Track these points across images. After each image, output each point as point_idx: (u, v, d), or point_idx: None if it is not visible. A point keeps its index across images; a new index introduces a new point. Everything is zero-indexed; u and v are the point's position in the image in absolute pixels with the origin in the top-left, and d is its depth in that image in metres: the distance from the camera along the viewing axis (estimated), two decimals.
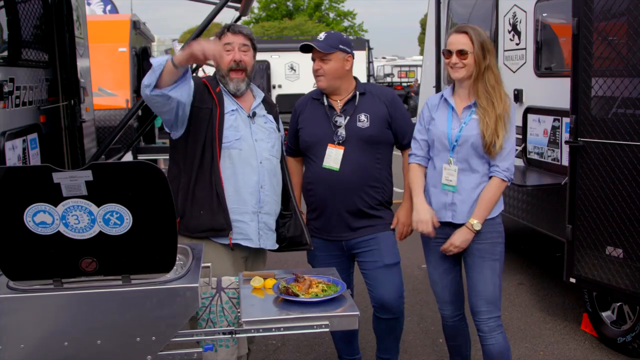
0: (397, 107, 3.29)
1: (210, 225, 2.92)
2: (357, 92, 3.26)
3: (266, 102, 3.19)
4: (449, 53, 3.01)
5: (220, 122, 2.93)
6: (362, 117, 3.21)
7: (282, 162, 3.21)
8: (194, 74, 7.93)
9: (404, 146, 3.33)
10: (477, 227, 3.02)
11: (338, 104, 3.25)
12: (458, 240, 3.06)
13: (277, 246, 3.14)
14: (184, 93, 2.80)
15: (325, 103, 3.27)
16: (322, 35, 3.21)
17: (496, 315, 3.10)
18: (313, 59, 3.22)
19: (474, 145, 2.99)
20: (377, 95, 3.28)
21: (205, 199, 2.92)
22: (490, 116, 2.95)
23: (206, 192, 2.92)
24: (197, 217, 2.93)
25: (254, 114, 3.07)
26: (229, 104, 3.00)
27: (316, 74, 3.21)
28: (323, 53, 3.16)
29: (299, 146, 3.35)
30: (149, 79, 2.69)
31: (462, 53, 2.96)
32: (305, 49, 3.19)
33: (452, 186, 3.07)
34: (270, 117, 3.17)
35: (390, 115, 3.24)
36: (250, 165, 2.98)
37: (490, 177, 3.03)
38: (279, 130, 3.19)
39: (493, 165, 3.02)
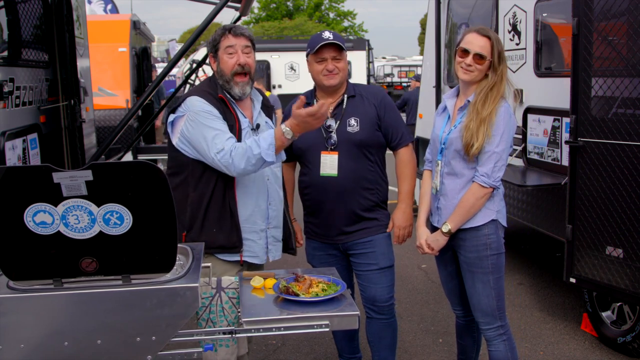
0: (386, 108, 3.26)
1: (223, 244, 2.87)
2: (346, 96, 3.24)
3: (264, 105, 3.13)
4: (464, 52, 2.91)
5: (241, 139, 2.85)
6: (352, 121, 3.20)
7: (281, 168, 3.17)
8: (195, 76, 7.94)
9: (395, 147, 3.31)
10: (445, 229, 2.97)
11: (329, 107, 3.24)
12: (428, 239, 3.05)
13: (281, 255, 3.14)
14: None
15: None
16: (330, 35, 3.17)
17: (495, 326, 3.05)
18: (319, 60, 3.16)
19: (458, 148, 2.93)
20: (366, 97, 3.26)
21: (219, 217, 2.87)
22: (475, 118, 2.86)
23: (220, 211, 2.87)
24: (209, 234, 2.86)
25: (258, 126, 3.00)
26: (241, 118, 2.93)
27: (331, 72, 3.16)
28: (337, 52, 3.15)
29: (292, 151, 3.31)
30: (269, 158, 2.69)
31: (480, 57, 2.88)
32: (328, 45, 3.12)
33: (436, 189, 3.06)
34: (270, 122, 3.11)
35: (379, 117, 3.23)
36: (260, 183, 2.94)
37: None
38: None
39: (476, 170, 2.94)
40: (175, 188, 2.86)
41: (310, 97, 3.30)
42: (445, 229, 2.98)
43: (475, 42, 2.89)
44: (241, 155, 2.69)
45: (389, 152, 3.35)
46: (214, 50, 2.98)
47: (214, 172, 2.84)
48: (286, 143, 2.72)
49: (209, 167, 2.83)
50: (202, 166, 2.85)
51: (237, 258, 2.92)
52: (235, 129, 2.86)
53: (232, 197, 2.87)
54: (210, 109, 2.83)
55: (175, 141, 2.90)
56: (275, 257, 3.07)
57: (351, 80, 3.39)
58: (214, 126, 2.78)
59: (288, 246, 3.20)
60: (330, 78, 3.17)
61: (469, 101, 2.96)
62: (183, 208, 2.87)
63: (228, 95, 2.93)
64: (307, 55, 3.24)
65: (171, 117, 2.94)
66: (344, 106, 3.22)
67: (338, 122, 3.20)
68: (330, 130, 3.20)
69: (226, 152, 2.71)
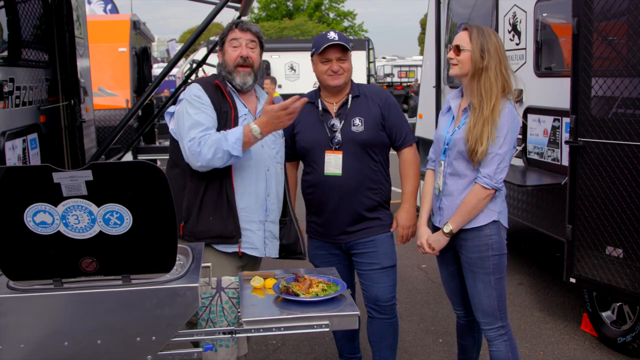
0: (390, 108, 3.26)
1: (220, 232, 2.87)
2: (350, 95, 3.24)
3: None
4: (450, 48, 2.98)
5: (235, 127, 2.86)
6: (357, 121, 3.20)
7: (284, 167, 3.18)
8: (195, 75, 7.95)
9: (399, 147, 3.32)
10: (447, 229, 2.97)
11: (334, 107, 3.24)
12: (430, 239, 3.06)
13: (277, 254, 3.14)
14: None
15: (320, 107, 3.26)
16: (335, 35, 3.17)
17: (496, 326, 3.05)
18: (324, 60, 3.16)
19: (461, 149, 2.93)
20: (370, 97, 3.27)
21: (215, 204, 2.87)
22: (478, 121, 2.85)
23: (217, 198, 2.87)
24: (205, 222, 2.87)
25: None
26: (240, 107, 2.96)
27: (336, 73, 3.16)
28: (342, 53, 3.15)
29: (295, 150, 3.32)
30: (235, 152, 2.72)
31: (457, 49, 2.93)
32: (333, 46, 3.11)
33: (439, 190, 3.07)
34: None
35: (383, 117, 3.23)
36: (259, 172, 2.95)
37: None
38: (282, 135, 3.16)
39: (478, 171, 2.93)
40: (173, 180, 2.91)
41: (314, 97, 3.31)
42: (446, 229, 2.98)
43: (457, 37, 2.97)
44: (210, 145, 2.73)
45: (392, 152, 3.35)
46: (221, 43, 3.03)
47: None
48: (253, 140, 2.77)
49: None
50: None
51: (235, 249, 2.92)
52: (230, 116, 2.89)
53: (229, 184, 2.88)
54: (200, 94, 2.87)
55: (171, 127, 2.95)
56: (271, 254, 3.07)
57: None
58: (193, 114, 2.82)
59: (295, 251, 3.18)
60: (335, 78, 3.17)
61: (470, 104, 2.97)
62: (180, 199, 2.88)
63: (229, 85, 2.97)
64: (311, 55, 3.25)
65: (172, 108, 3.00)
66: (349, 106, 3.23)
67: (342, 121, 3.21)
68: (335, 129, 3.20)
69: (196, 140, 2.75)
